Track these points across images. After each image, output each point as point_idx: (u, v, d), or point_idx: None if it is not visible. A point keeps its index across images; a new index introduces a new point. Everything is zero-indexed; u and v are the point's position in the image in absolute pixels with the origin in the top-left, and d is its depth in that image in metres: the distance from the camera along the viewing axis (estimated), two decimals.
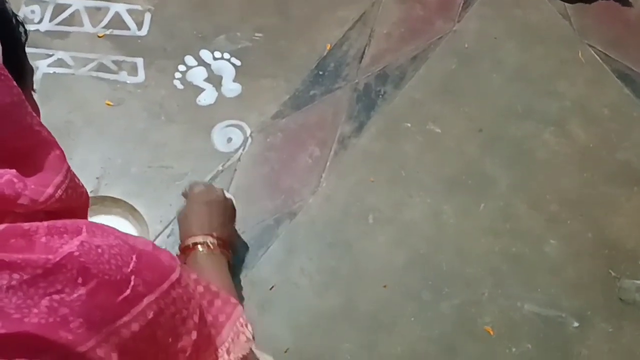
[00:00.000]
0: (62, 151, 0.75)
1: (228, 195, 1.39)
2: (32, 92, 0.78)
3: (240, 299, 1.40)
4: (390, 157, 1.58)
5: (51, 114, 1.53)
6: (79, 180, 0.77)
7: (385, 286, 1.41)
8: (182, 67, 1.68)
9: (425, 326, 1.38)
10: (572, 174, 1.58)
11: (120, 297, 0.63)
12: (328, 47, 1.74)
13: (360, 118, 1.63)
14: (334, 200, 1.51)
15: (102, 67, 1.66)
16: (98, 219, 1.41)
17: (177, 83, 1.65)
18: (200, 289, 0.83)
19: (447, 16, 1.84)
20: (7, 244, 0.58)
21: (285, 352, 1.33)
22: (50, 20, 1.73)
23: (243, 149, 1.57)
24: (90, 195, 0.90)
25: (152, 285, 0.67)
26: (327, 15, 1.81)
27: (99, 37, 1.71)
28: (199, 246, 1.27)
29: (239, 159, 1.55)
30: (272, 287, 1.40)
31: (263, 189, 1.52)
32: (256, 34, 1.75)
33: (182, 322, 0.72)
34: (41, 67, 1.64)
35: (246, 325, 0.86)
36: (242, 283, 1.41)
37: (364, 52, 1.75)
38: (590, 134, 1.64)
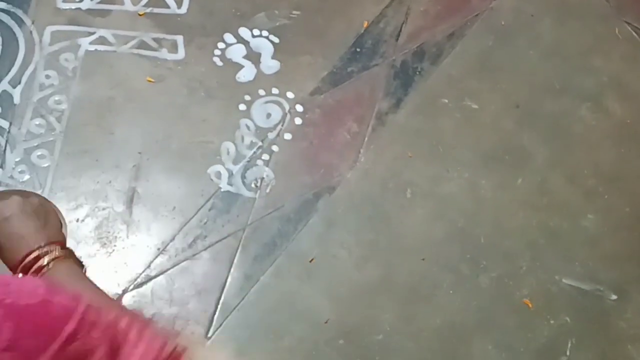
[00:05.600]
0: None
1: (42, 196, 0.96)
2: None
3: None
4: (428, 133, 1.59)
5: (94, 91, 1.56)
6: None
7: (423, 259, 1.43)
8: (221, 45, 1.69)
9: (464, 298, 1.40)
10: (609, 148, 1.58)
11: None
12: (365, 24, 1.75)
13: (397, 94, 1.64)
14: (372, 175, 1.53)
15: (142, 45, 1.68)
16: None
17: (216, 60, 1.67)
18: (122, 324, 0.67)
19: None
20: None
21: (326, 323, 1.36)
22: None
23: (282, 125, 1.59)
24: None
25: (38, 351, 0.58)
26: None
27: (139, 15, 1.73)
28: (46, 258, 0.86)
29: (278, 135, 1.57)
30: (312, 259, 1.42)
31: (302, 164, 1.54)
32: (294, 12, 1.76)
33: None
34: (83, 44, 1.67)
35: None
36: (282, 256, 1.43)
37: (400, 30, 1.75)
38: (627, 110, 1.64)
